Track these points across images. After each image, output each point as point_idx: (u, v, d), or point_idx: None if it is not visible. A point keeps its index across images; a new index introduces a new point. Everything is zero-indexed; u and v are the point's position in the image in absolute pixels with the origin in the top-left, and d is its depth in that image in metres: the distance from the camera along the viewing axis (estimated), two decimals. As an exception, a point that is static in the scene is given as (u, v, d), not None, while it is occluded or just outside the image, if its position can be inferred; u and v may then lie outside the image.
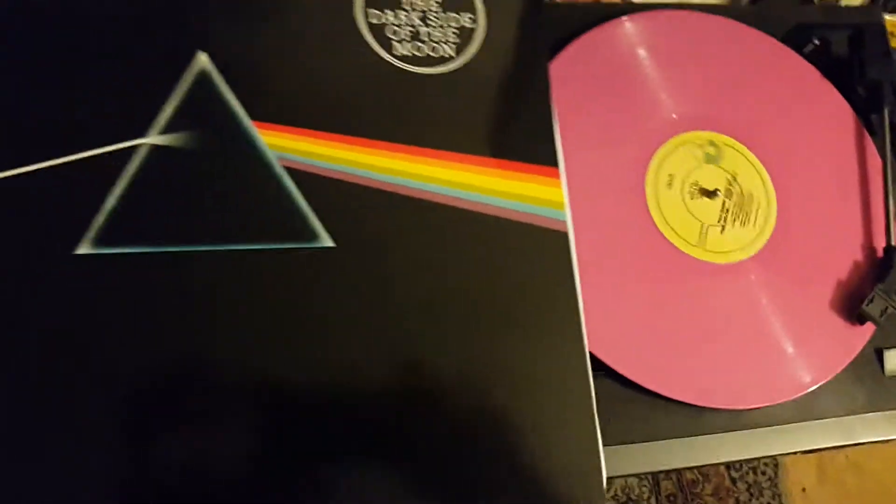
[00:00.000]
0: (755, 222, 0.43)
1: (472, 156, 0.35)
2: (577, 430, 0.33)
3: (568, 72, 0.43)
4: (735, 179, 0.44)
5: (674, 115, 0.44)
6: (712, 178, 0.43)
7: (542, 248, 0.34)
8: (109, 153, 0.31)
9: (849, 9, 0.52)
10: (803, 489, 0.91)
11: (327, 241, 0.32)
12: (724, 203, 0.43)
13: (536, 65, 0.37)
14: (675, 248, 0.41)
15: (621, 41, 0.45)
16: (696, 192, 0.43)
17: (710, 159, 0.43)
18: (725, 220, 0.42)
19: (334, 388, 0.32)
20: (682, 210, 0.42)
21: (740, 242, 0.42)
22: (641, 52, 0.45)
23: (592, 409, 0.34)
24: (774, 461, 0.86)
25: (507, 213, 0.35)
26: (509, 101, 0.36)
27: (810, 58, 0.48)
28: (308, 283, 0.32)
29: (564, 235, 0.35)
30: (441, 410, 0.32)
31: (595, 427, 0.33)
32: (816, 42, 0.49)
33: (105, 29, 0.33)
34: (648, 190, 0.42)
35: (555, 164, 0.36)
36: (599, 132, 0.42)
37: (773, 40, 0.48)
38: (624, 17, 0.45)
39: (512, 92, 0.37)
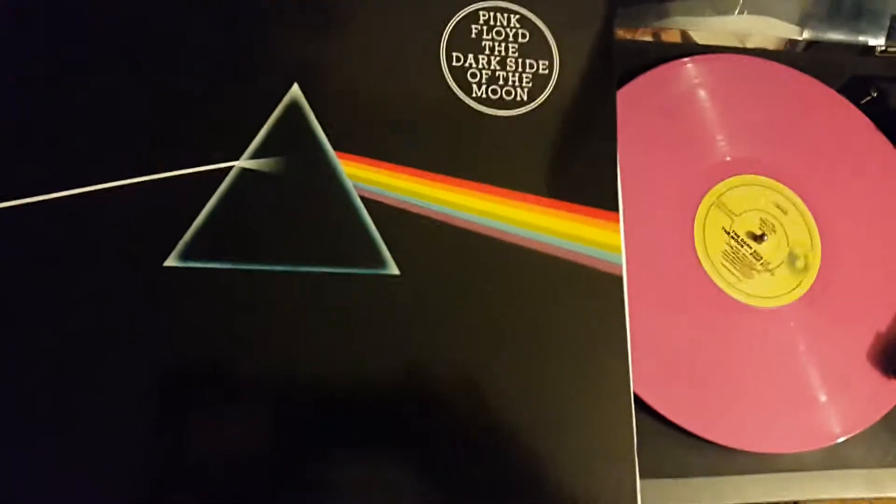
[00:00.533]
0: (799, 269, 0.43)
1: (536, 196, 0.36)
2: (618, 472, 0.34)
3: (629, 107, 0.44)
4: (782, 225, 0.44)
5: (727, 158, 0.45)
6: (757, 221, 0.44)
7: (597, 289, 0.36)
8: (204, 173, 0.33)
9: (909, 61, 0.52)
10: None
11: (393, 269, 0.34)
12: (770, 247, 0.43)
13: (604, 112, 0.39)
14: (719, 288, 0.42)
15: (681, 82, 0.46)
16: (745, 235, 0.43)
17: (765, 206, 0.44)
18: (770, 265, 0.43)
19: (391, 404, 0.33)
20: (728, 252, 0.43)
21: (783, 288, 0.43)
22: (700, 93, 0.46)
23: (633, 454, 0.35)
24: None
25: (566, 252, 0.36)
26: (576, 145, 0.38)
27: (867, 109, 0.48)
28: (371, 308, 0.34)
29: (619, 279, 0.36)
30: (488, 439, 0.34)
31: (634, 470, 0.35)
32: (874, 93, 0.49)
33: (211, 55, 0.35)
34: (697, 230, 0.43)
35: (615, 208, 0.37)
36: (653, 170, 0.43)
37: (829, 89, 0.48)
38: (686, 59, 0.46)
39: (579, 137, 0.38)
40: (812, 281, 0.43)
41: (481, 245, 0.35)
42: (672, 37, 0.59)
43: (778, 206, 0.45)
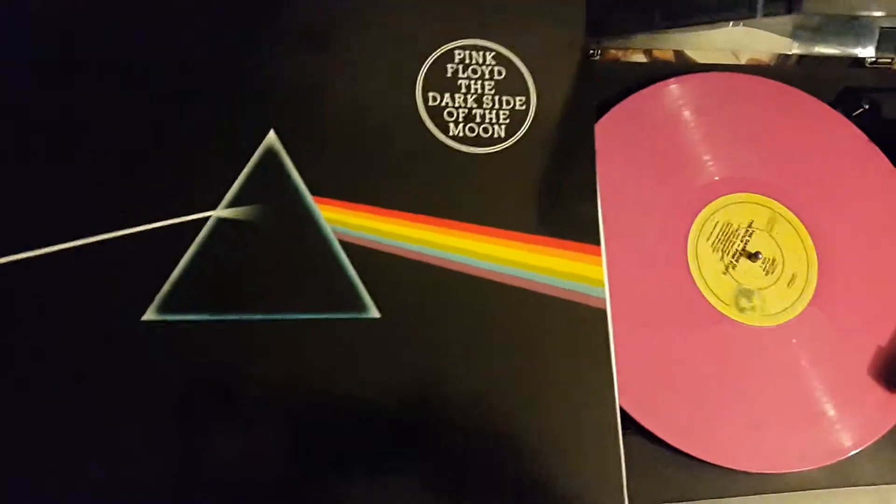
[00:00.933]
0: (796, 286, 0.43)
1: (516, 232, 0.36)
2: (605, 496, 0.34)
3: (616, 129, 0.44)
4: (777, 242, 0.44)
5: (716, 178, 0.45)
6: (755, 240, 0.44)
7: (581, 323, 0.36)
8: (180, 224, 0.33)
9: (900, 73, 0.52)
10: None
11: (374, 313, 0.34)
12: (765, 266, 0.43)
13: (583, 146, 0.39)
14: (713, 308, 0.42)
15: (667, 103, 0.46)
16: (739, 254, 0.43)
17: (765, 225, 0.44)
18: (766, 283, 0.43)
19: (376, 447, 0.34)
20: (722, 271, 0.43)
21: (780, 306, 0.43)
22: (687, 113, 0.46)
23: (622, 487, 0.35)
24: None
25: (549, 288, 0.36)
26: (555, 180, 0.38)
27: (859, 121, 0.48)
28: (354, 352, 0.34)
29: (603, 312, 0.36)
30: (475, 477, 0.34)
31: (623, 494, 0.35)
32: (866, 106, 0.49)
33: (184, 104, 0.36)
34: (690, 249, 0.43)
35: (597, 242, 0.37)
36: (644, 192, 0.43)
37: (820, 103, 0.48)
38: (670, 80, 0.46)
39: (558, 172, 0.38)
40: (810, 297, 0.43)
41: (463, 284, 0.35)
42: (666, 55, 0.60)
43: (774, 225, 0.44)
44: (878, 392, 0.42)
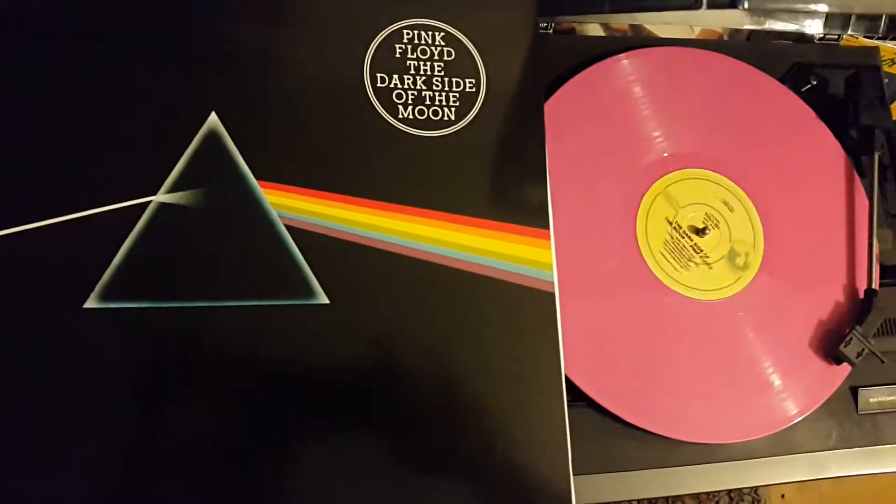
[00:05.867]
0: (741, 259, 0.44)
1: (466, 217, 0.36)
2: (553, 479, 0.35)
3: (567, 107, 0.44)
4: (723, 216, 0.45)
5: (665, 154, 0.45)
6: (701, 215, 0.44)
7: (530, 306, 0.36)
8: (120, 210, 0.32)
9: (848, 49, 0.52)
10: (782, 495, 0.93)
11: (322, 298, 0.34)
12: (712, 240, 0.44)
13: (533, 129, 0.38)
14: (662, 283, 0.42)
15: (616, 79, 0.46)
16: (686, 229, 0.44)
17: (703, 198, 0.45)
18: (712, 258, 0.44)
19: (326, 432, 0.34)
20: (670, 247, 0.43)
21: (726, 280, 0.43)
22: (638, 88, 0.46)
23: (568, 464, 0.36)
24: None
25: (497, 272, 0.36)
26: (505, 164, 0.38)
27: (807, 96, 0.49)
28: (302, 339, 0.33)
29: (551, 296, 0.36)
30: (425, 457, 0.34)
31: (569, 480, 0.36)
32: (814, 81, 0.50)
33: (121, 87, 0.34)
34: (639, 226, 0.43)
35: (546, 226, 0.37)
36: (594, 169, 0.44)
37: (770, 78, 0.49)
38: (621, 56, 0.46)
39: (508, 156, 0.38)
40: (756, 270, 0.44)
41: (412, 269, 0.35)
42: (622, 28, 0.59)
43: (723, 201, 0.45)
44: (817, 365, 0.43)
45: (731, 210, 0.45)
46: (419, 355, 0.35)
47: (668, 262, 0.43)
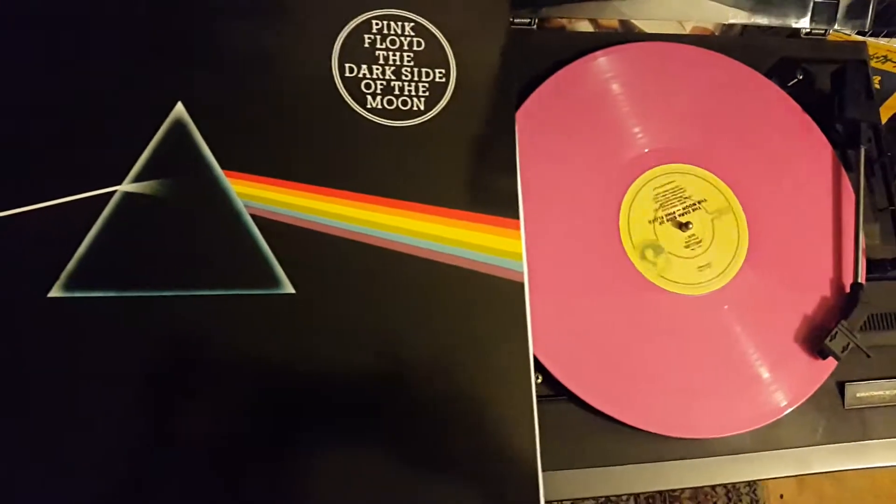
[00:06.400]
0: (726, 254, 0.44)
1: (435, 206, 0.36)
2: (521, 469, 0.35)
3: (549, 103, 0.44)
4: (707, 211, 0.45)
5: (646, 150, 0.45)
6: (694, 216, 0.44)
7: (499, 297, 0.36)
8: (85, 199, 0.32)
9: (835, 44, 0.52)
10: (781, 496, 0.92)
11: (288, 288, 0.34)
12: (696, 235, 0.44)
13: (503, 120, 0.38)
14: (644, 278, 0.42)
15: (596, 76, 0.46)
16: (670, 223, 0.44)
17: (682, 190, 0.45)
18: (697, 252, 0.44)
19: (292, 423, 0.34)
20: (653, 241, 0.43)
21: (710, 274, 0.43)
22: (620, 84, 0.46)
23: (536, 454, 0.35)
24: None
25: (467, 262, 0.36)
26: (474, 154, 0.38)
27: (794, 91, 0.49)
28: (268, 329, 0.33)
29: (520, 286, 0.36)
30: (393, 446, 0.34)
31: (537, 470, 0.35)
32: (800, 76, 0.50)
33: (87, 75, 0.34)
34: (622, 220, 0.43)
35: (516, 216, 0.37)
36: (577, 163, 0.44)
37: (755, 72, 0.48)
38: (599, 53, 0.46)
39: (477, 146, 0.38)
40: (740, 265, 0.44)
41: (380, 259, 0.35)
42: (612, 24, 0.59)
43: (705, 195, 0.45)
44: (803, 359, 0.43)
45: (723, 225, 0.45)
46: (385, 345, 0.35)
47: (652, 256, 0.43)
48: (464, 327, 0.35)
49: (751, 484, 0.89)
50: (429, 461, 0.35)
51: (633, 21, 0.56)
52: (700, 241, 0.44)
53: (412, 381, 0.35)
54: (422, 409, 0.34)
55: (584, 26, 0.57)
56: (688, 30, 0.59)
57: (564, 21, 0.57)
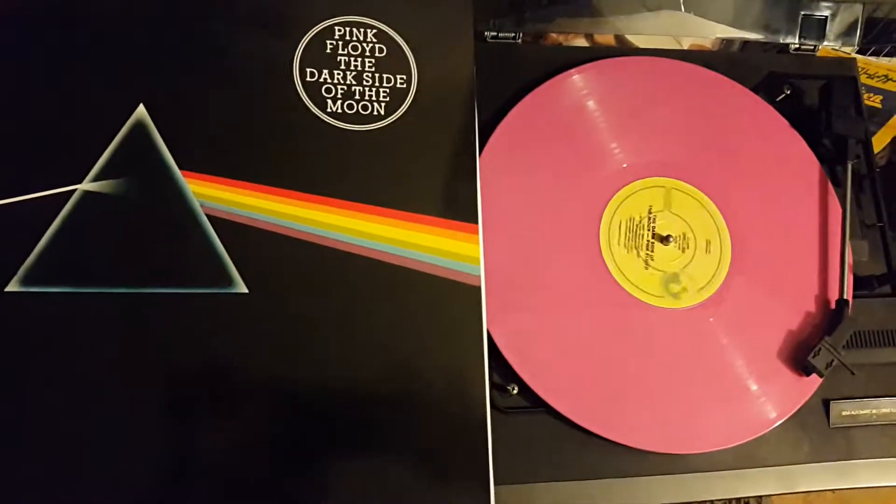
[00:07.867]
0: (708, 268, 0.44)
1: (393, 210, 0.36)
2: (472, 475, 0.35)
3: (530, 119, 0.44)
4: (690, 226, 0.44)
5: (624, 165, 0.45)
6: (667, 224, 0.44)
7: (456, 300, 0.36)
8: (45, 197, 0.33)
9: (824, 59, 0.52)
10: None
11: (241, 288, 0.34)
12: (677, 249, 0.44)
13: (464, 126, 0.39)
14: (623, 289, 0.42)
15: (578, 90, 0.46)
16: (651, 238, 0.43)
17: (666, 205, 0.44)
18: (678, 266, 0.43)
19: (244, 421, 0.34)
20: (633, 255, 0.43)
21: (692, 288, 0.43)
22: (592, 103, 0.46)
23: (488, 462, 0.35)
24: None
25: (423, 265, 0.36)
26: (433, 159, 0.38)
27: (782, 106, 0.49)
28: (220, 327, 0.34)
29: (477, 290, 0.36)
30: (345, 448, 0.34)
31: (489, 476, 0.35)
32: (787, 91, 0.49)
33: (51, 76, 0.35)
34: (602, 235, 0.43)
35: (475, 220, 0.37)
36: (555, 183, 0.43)
37: (742, 87, 0.48)
38: (582, 67, 0.47)
39: (437, 151, 0.38)
40: (723, 279, 0.43)
41: (336, 261, 0.35)
42: (607, 40, 0.60)
43: (669, 199, 0.44)
44: (787, 376, 0.42)
45: (683, 205, 0.44)
46: (338, 346, 0.35)
47: (632, 269, 0.42)
48: (420, 330, 0.35)
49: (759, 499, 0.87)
50: (377, 463, 0.34)
51: (626, 37, 0.56)
52: (685, 237, 0.43)
53: (364, 383, 0.35)
54: (372, 411, 0.34)
55: (581, 42, 0.57)
56: (686, 46, 0.59)
57: (561, 38, 0.57)
